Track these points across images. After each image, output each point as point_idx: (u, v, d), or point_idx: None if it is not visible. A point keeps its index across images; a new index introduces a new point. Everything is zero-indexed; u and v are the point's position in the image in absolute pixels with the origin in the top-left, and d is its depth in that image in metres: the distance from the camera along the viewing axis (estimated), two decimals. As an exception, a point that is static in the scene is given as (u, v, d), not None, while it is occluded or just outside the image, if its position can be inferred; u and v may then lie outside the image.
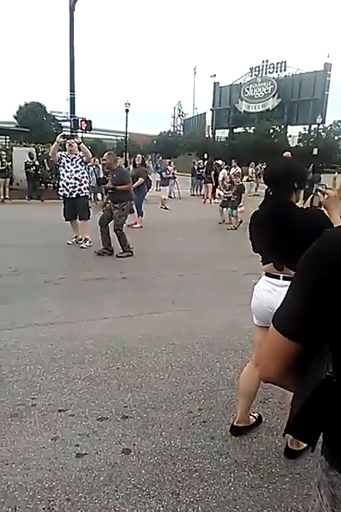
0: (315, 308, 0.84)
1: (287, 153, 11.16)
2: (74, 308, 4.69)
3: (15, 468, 2.27)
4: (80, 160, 7.67)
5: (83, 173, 7.71)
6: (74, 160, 7.63)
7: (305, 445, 2.48)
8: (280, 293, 2.23)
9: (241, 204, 10.40)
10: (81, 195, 7.71)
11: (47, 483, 2.18)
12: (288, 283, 2.19)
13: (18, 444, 2.45)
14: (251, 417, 2.70)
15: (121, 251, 7.32)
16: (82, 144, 7.83)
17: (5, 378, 3.16)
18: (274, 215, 2.18)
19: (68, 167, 7.56)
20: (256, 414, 2.76)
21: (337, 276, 0.80)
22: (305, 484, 2.23)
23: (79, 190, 7.68)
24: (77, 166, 7.64)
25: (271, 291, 2.27)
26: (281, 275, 2.22)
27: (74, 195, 7.55)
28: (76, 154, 7.66)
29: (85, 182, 7.79)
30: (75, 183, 7.58)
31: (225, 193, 11.09)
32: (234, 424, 2.63)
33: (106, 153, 7.64)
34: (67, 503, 2.06)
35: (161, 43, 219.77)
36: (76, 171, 7.61)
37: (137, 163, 10.51)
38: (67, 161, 7.61)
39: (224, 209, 11.13)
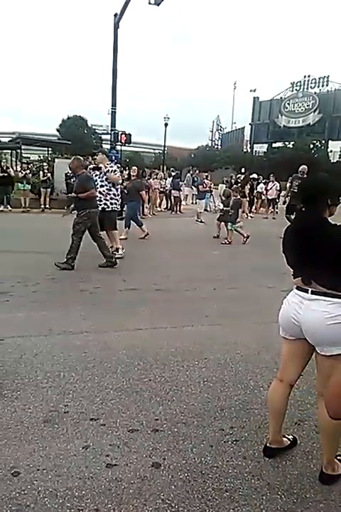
0: None
1: (303, 167, 10.92)
2: (108, 318, 4.74)
3: (46, 474, 2.29)
4: (105, 177, 7.71)
5: (109, 189, 7.72)
6: (100, 176, 7.74)
7: (341, 471, 2.38)
8: (308, 307, 2.20)
9: (238, 219, 10.28)
10: (106, 209, 7.72)
11: (77, 491, 2.19)
12: (316, 297, 2.16)
13: (50, 450, 2.48)
14: (285, 438, 2.61)
15: (64, 260, 6.86)
16: (109, 174, 7.77)
17: (39, 384, 3.22)
18: (305, 230, 2.22)
19: (96, 181, 7.65)
20: (290, 437, 2.67)
21: None
22: (339, 511, 2.12)
23: (105, 204, 7.71)
24: (103, 182, 7.70)
25: (298, 304, 2.27)
26: (310, 289, 2.21)
27: (99, 208, 7.59)
28: (100, 170, 7.76)
29: (112, 198, 7.74)
30: (100, 198, 7.63)
31: (223, 208, 10.89)
32: (267, 445, 2.55)
33: (73, 157, 7.61)
34: (96, 513, 2.06)
35: (201, 56, 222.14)
36: (101, 186, 7.68)
37: (132, 175, 10.11)
38: (95, 175, 7.76)
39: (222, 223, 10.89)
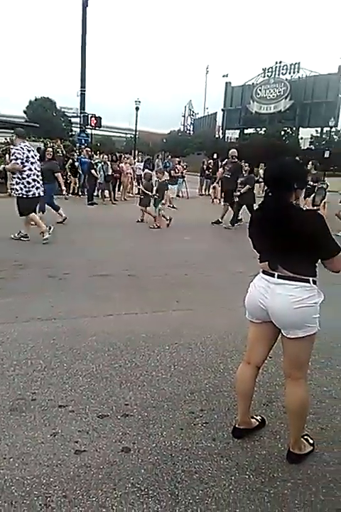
0: None
1: (232, 151, 11.02)
2: (77, 304, 4.66)
3: (12, 462, 2.25)
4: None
5: (15, 174, 7.48)
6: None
7: (308, 450, 2.44)
8: (274, 291, 2.22)
9: (163, 201, 10.15)
10: (14, 194, 7.64)
11: (44, 479, 2.15)
12: (283, 281, 2.17)
13: (16, 439, 2.42)
14: (253, 419, 2.65)
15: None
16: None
17: (6, 372, 3.14)
18: (272, 215, 2.21)
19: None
20: (259, 417, 2.72)
21: None
22: (307, 490, 2.18)
23: (13, 189, 7.63)
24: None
25: (265, 288, 2.29)
26: (276, 274, 2.23)
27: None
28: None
29: (17, 182, 7.44)
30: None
31: (144, 191, 10.62)
32: (236, 426, 2.58)
33: None
34: (64, 500, 2.03)
35: (173, 41, 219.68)
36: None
37: (47, 156, 9.44)
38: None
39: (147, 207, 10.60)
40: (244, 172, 10.71)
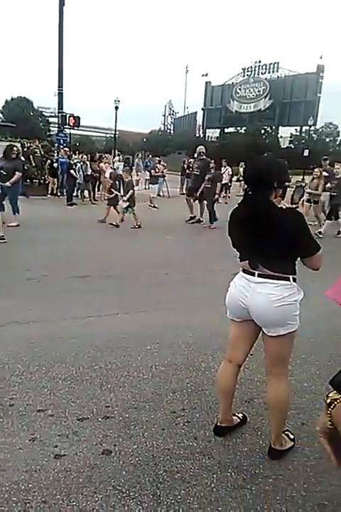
0: None
1: (200, 147, 11.06)
2: (57, 306, 4.60)
3: (-10, 470, 2.19)
4: None
5: None
6: None
7: (288, 446, 2.45)
8: (255, 289, 2.22)
9: (125, 198, 9.96)
10: None
11: (23, 485, 2.11)
12: (263, 280, 2.17)
13: (-6, 445, 2.37)
14: (235, 417, 2.66)
15: None
16: None
17: (-17, 377, 3.07)
18: (252, 214, 2.19)
19: None
20: (240, 415, 2.72)
21: None
22: (288, 486, 2.19)
23: None
24: None
25: (245, 287, 2.28)
26: (257, 272, 2.23)
27: None
28: None
29: None
30: None
31: (112, 192, 10.51)
32: (218, 424, 2.58)
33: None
34: (44, 506, 1.99)
35: (152, 40, 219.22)
36: None
37: (12, 155, 9.10)
38: None
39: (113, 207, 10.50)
40: (211, 169, 10.80)
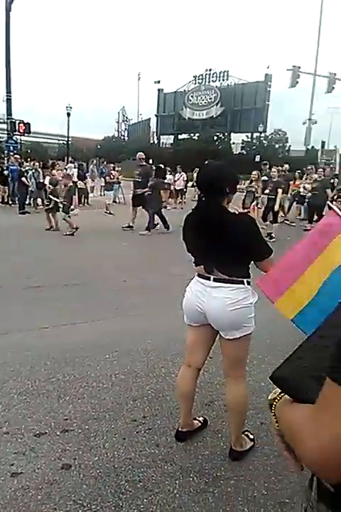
0: None
1: (139, 154, 10.88)
2: (11, 319, 4.43)
3: None
4: None
5: None
6: None
7: (248, 446, 2.49)
8: (211, 294, 2.25)
9: (72, 207, 9.97)
10: None
11: (-23, 508, 2.00)
12: (218, 284, 2.19)
13: None
14: (195, 421, 2.67)
15: None
16: None
17: None
18: (205, 219, 2.22)
19: None
20: (201, 418, 2.74)
21: None
22: (249, 486, 2.22)
23: None
24: None
25: (201, 292, 2.30)
26: (212, 277, 2.25)
27: None
28: None
29: None
30: None
31: (52, 198, 10.32)
32: (179, 429, 2.58)
33: None
34: (0, 528, 1.90)
35: (104, 47, 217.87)
36: None
37: None
38: None
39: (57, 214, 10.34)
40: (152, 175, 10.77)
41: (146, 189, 10.37)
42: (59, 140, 57.06)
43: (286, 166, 12.40)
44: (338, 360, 0.64)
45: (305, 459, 0.69)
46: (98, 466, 2.33)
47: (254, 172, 11.01)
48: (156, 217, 10.71)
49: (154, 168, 10.85)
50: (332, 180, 11.68)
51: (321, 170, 12.18)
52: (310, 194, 11.42)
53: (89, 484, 2.20)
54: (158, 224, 10.89)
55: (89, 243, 9.18)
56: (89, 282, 5.99)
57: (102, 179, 18.64)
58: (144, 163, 11.02)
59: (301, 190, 12.29)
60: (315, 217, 11.02)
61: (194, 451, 2.50)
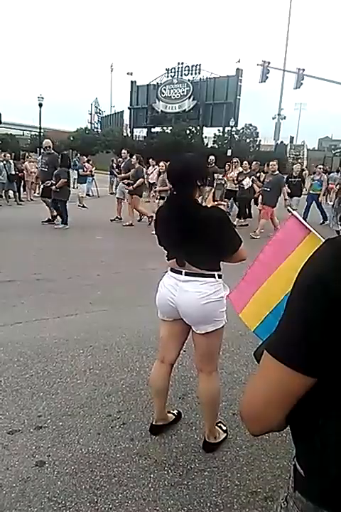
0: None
1: (46, 141, 10.27)
2: (-18, 314, 4.33)
3: None
4: None
5: None
6: None
7: (222, 437, 2.54)
8: (182, 288, 2.25)
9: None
10: None
11: None
12: (190, 278, 2.20)
13: None
14: (169, 414, 2.70)
15: None
16: None
17: None
18: (178, 213, 2.19)
19: None
20: (175, 411, 2.77)
21: None
22: (223, 477, 2.27)
23: None
24: None
25: (173, 286, 2.30)
26: (183, 271, 2.25)
27: None
28: None
29: None
30: None
31: None
32: (153, 423, 2.61)
33: None
34: (-27, 529, 1.88)
35: (76, 37, 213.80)
36: None
37: None
38: None
39: None
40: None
41: (54, 181, 9.60)
42: (31, 131, 55.81)
43: (212, 157, 12.15)
44: (274, 333, 0.76)
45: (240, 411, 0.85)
46: (72, 462, 2.32)
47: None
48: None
49: (61, 155, 10.21)
50: (257, 174, 11.50)
51: (246, 163, 11.92)
52: (238, 188, 11.19)
53: (63, 481, 2.19)
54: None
55: (62, 236, 9.06)
56: (62, 276, 5.92)
57: (75, 171, 18.38)
58: (52, 151, 10.26)
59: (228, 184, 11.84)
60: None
61: (168, 445, 2.52)
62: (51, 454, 2.37)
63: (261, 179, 10.96)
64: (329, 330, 0.67)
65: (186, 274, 2.24)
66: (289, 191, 10.46)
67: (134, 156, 10.69)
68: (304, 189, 12.06)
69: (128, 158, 11.23)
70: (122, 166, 10.81)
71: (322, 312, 0.68)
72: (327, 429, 0.73)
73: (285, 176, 11.52)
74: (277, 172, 9.83)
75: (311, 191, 12.16)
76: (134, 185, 10.19)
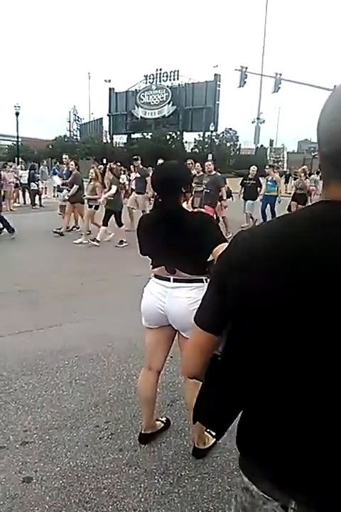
0: (223, 300, 0.92)
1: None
2: None
3: None
4: None
5: None
6: None
7: (211, 443, 2.53)
8: (172, 294, 2.24)
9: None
10: None
11: None
12: (179, 285, 2.18)
13: None
14: (158, 422, 2.68)
15: None
16: None
17: None
18: (164, 219, 2.19)
19: None
20: (163, 419, 2.75)
21: (237, 272, 0.88)
22: (214, 483, 2.26)
23: None
24: None
25: (162, 293, 2.29)
26: (172, 278, 2.24)
27: None
28: None
29: None
30: None
31: None
32: (142, 431, 2.58)
33: None
34: None
35: (52, 45, 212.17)
36: None
37: None
38: None
39: None
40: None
41: None
42: (8, 140, 55.20)
43: (138, 161, 12.06)
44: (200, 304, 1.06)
45: None
46: (61, 476, 2.28)
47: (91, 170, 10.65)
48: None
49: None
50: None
51: (198, 164, 11.72)
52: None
53: (52, 496, 2.15)
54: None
55: (44, 245, 8.94)
56: (45, 286, 5.84)
57: (54, 179, 18.19)
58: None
59: None
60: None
61: (158, 453, 2.50)
62: (38, 469, 2.32)
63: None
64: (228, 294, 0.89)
65: (175, 280, 2.23)
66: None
67: (72, 162, 10.54)
68: (260, 191, 11.85)
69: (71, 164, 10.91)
70: (64, 172, 10.65)
71: (225, 277, 0.90)
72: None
73: (241, 178, 11.71)
74: (214, 172, 9.76)
75: (266, 193, 11.98)
76: (69, 194, 10.08)
